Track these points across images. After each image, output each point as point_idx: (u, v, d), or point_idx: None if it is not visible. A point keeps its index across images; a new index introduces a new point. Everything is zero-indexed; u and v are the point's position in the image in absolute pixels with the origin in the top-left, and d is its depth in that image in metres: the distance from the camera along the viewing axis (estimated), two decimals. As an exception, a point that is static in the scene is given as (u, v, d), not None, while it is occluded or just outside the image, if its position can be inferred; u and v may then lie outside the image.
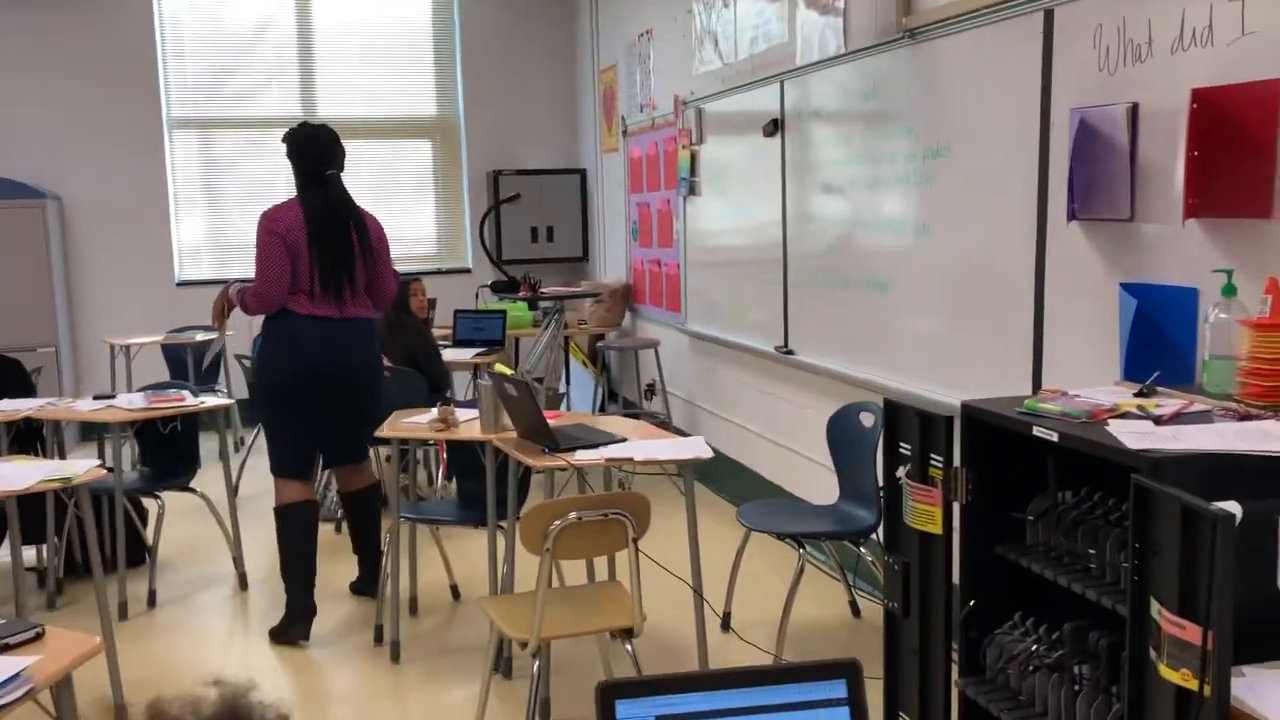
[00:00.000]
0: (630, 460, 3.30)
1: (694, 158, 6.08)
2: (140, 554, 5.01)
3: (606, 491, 4.12)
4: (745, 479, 5.66)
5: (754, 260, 5.38)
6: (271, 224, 4.03)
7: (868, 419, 3.88)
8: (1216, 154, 2.59)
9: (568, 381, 7.68)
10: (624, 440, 3.51)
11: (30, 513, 4.47)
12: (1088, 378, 3.00)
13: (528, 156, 8.58)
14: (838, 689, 1.32)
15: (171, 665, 3.93)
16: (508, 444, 3.58)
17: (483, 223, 6.05)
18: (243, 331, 6.83)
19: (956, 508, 2.48)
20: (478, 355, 5.85)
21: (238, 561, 4.78)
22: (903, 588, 2.63)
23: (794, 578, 3.68)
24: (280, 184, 8.22)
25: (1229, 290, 2.44)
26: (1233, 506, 1.83)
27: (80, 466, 3.40)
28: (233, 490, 4.80)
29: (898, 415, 2.63)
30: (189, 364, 6.96)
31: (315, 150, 4.21)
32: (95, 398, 4.74)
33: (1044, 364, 3.32)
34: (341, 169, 4.29)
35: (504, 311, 6.16)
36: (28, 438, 4.64)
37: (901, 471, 2.62)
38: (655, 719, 1.29)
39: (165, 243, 8.11)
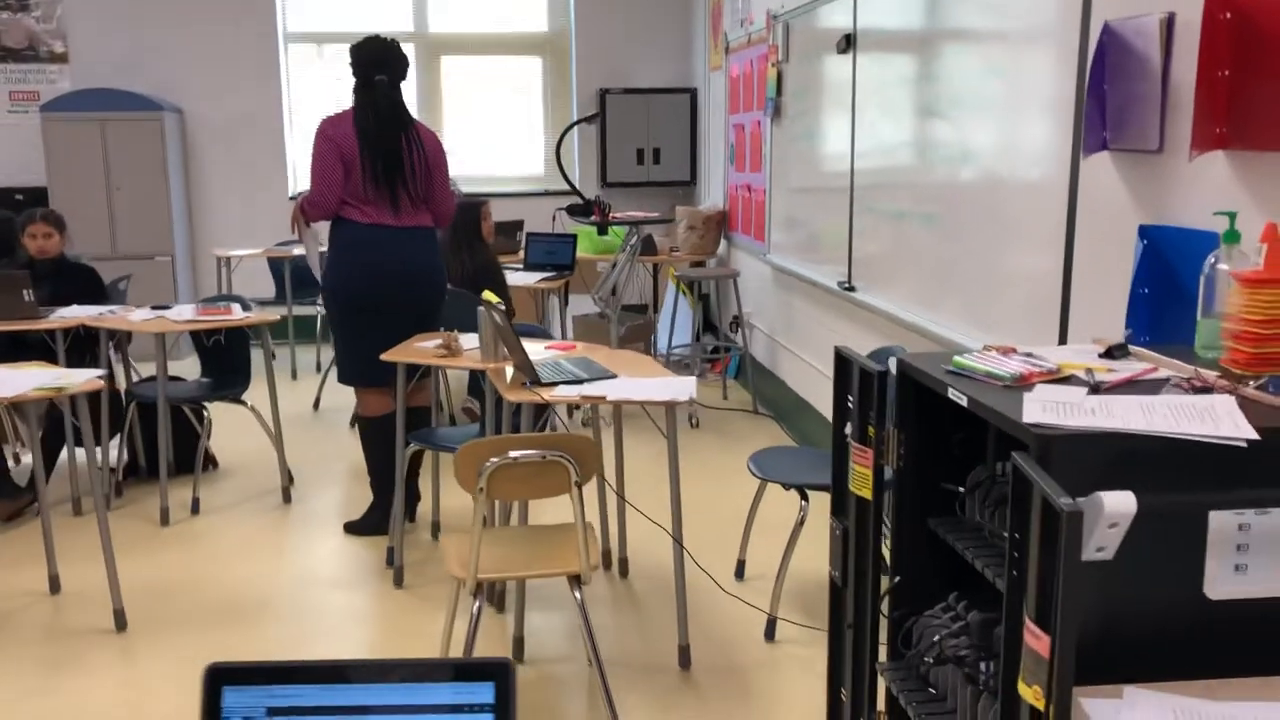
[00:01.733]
0: (603, 399, 3.11)
1: (780, 77, 5.72)
2: (203, 463, 5.18)
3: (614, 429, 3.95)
4: (813, 420, 5.39)
5: (824, 189, 5.04)
6: (327, 129, 4.07)
7: (894, 364, 3.56)
8: (1254, 73, 2.17)
9: (655, 309, 7.49)
10: (612, 377, 3.33)
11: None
12: (1113, 329, 2.63)
13: (639, 74, 8.32)
14: (482, 692, 1.13)
15: (183, 578, 4.02)
16: (496, 374, 3.45)
17: (560, 141, 5.88)
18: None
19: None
20: (544, 280, 5.72)
21: (284, 475, 4.85)
22: (841, 555, 2.38)
23: (793, 529, 3.44)
24: (389, 100, 8.26)
25: (1231, 236, 2.05)
26: (1123, 498, 1.52)
27: (80, 376, 3.46)
28: (275, 403, 4.85)
29: (846, 367, 2.35)
30: (285, 276, 7.10)
31: (367, 56, 4.19)
32: (153, 308, 4.86)
33: (1070, 312, 2.94)
34: (398, 78, 4.26)
35: (574, 236, 6.00)
36: (89, 345, 4.79)
37: (848, 428, 2.36)
38: (266, 710, 1.13)
39: (280, 157, 8.27)
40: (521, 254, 6.22)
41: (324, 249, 4.22)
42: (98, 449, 4.78)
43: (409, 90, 8.28)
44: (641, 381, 3.28)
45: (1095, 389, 1.84)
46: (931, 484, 2.17)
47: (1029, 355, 2.06)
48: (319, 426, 6.01)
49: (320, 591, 3.86)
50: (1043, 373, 1.92)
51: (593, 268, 6.72)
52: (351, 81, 4.21)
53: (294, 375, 7.24)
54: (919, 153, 3.92)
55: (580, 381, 3.26)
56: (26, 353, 4.66)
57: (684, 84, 8.27)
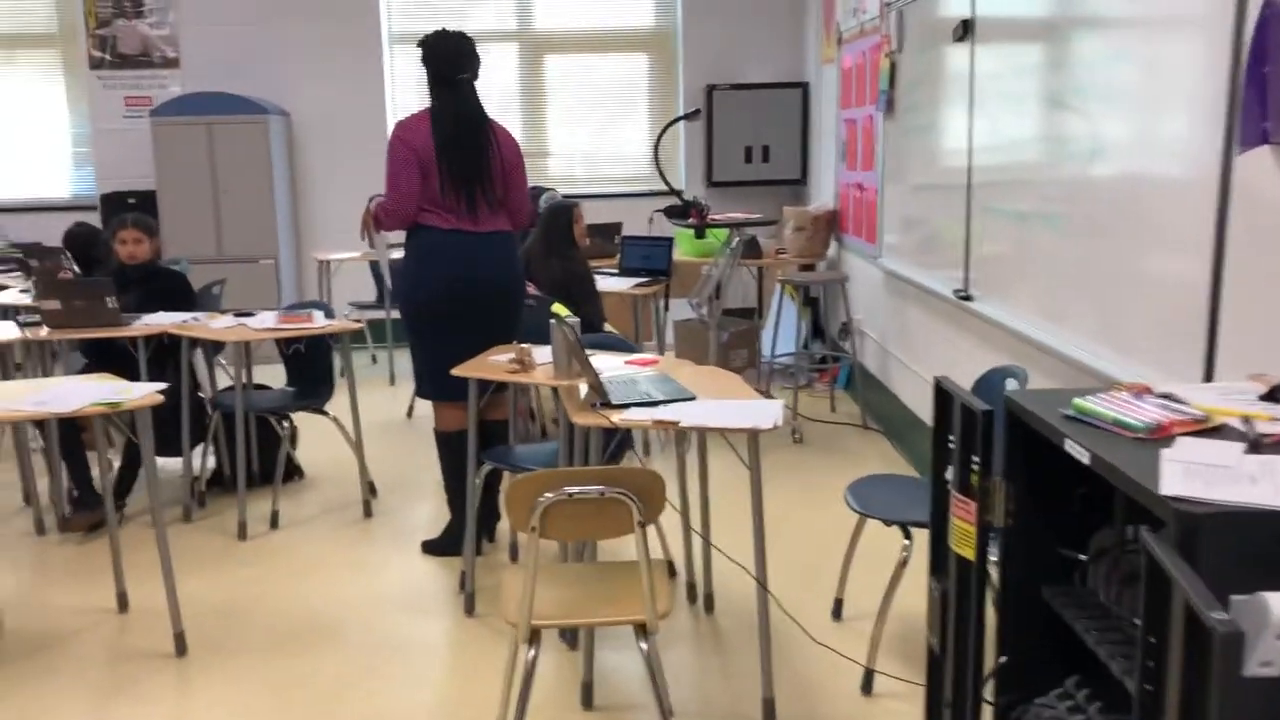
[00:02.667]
0: (675, 425, 2.81)
1: (893, 68, 5.32)
2: (289, 473, 5.07)
3: (703, 457, 3.65)
4: (927, 439, 4.96)
5: (939, 187, 4.64)
6: (402, 133, 3.89)
7: (1012, 387, 3.18)
8: None
9: (760, 315, 7.15)
10: (690, 399, 3.03)
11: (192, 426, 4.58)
12: (1275, 361, 2.22)
13: (748, 70, 7.99)
14: None
15: (252, 598, 3.87)
16: (568, 393, 3.18)
17: (659, 140, 5.59)
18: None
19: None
20: (638, 286, 5.45)
21: (365, 488, 4.70)
22: (940, 621, 2.04)
23: (895, 571, 3.08)
24: (492, 98, 8.11)
25: None
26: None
27: (140, 391, 3.32)
28: (356, 413, 4.69)
29: (947, 402, 2.01)
30: (386, 280, 6.98)
31: (445, 52, 3.97)
32: (235, 315, 4.76)
33: (1219, 333, 2.52)
34: (475, 77, 4.01)
35: (670, 239, 5.70)
36: (172, 352, 4.71)
37: (950, 473, 2.01)
38: None
39: (383, 159, 8.16)
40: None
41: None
42: (177, 460, 4.72)
43: (513, 90, 8.16)
44: (722, 405, 2.97)
45: (1255, 445, 1.46)
46: (1046, 547, 1.82)
47: (1168, 398, 1.68)
48: (411, 435, 5.85)
49: (389, 617, 3.65)
50: (1186, 421, 1.55)
51: (696, 271, 6.42)
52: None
53: (392, 380, 7.14)
54: (1044, 148, 3.51)
55: (654, 403, 2.97)
56: (114, 360, 4.60)
57: (795, 78, 7.90)
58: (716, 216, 5.49)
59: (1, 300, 5.50)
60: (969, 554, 1.88)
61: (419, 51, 4.03)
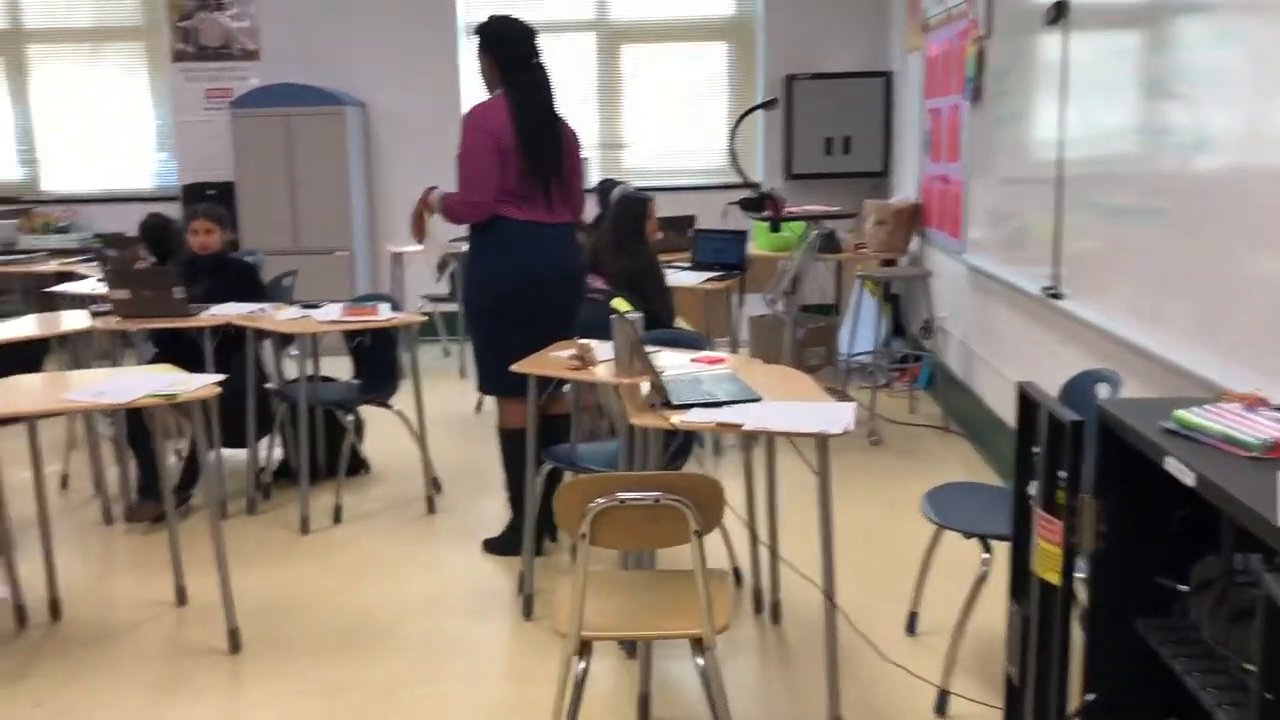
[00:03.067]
0: (738, 428, 2.66)
1: (981, 55, 5.08)
2: (355, 466, 5.03)
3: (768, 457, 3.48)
4: (1011, 444, 4.74)
5: (1028, 179, 4.40)
6: (482, 122, 3.76)
7: (1104, 392, 2.96)
8: None
9: (838, 311, 6.94)
10: (756, 400, 2.87)
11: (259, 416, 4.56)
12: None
13: (830, 58, 7.76)
14: None
15: (309, 594, 3.81)
16: (629, 392, 3.05)
17: (734, 131, 5.43)
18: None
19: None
20: (710, 281, 5.29)
21: (429, 484, 4.63)
22: (1020, 649, 1.86)
23: (973, 586, 2.89)
24: (569, 88, 8.01)
25: None
26: None
27: (199, 382, 3.27)
28: (420, 407, 4.61)
29: (1031, 410, 1.83)
30: (458, 273, 6.94)
31: (516, 36, 3.86)
32: (302, 307, 4.72)
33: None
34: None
35: (744, 232, 5.53)
36: (239, 343, 4.68)
37: (1033, 489, 1.83)
38: None
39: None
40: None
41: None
42: (244, 452, 4.69)
43: (588, 81, 8.04)
44: (790, 407, 2.81)
45: (1392, 469, 1.27)
46: (1141, 574, 1.63)
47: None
48: (479, 430, 5.78)
49: (446, 618, 3.56)
50: (1309, 439, 1.36)
51: (772, 266, 6.24)
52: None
53: (462, 374, 7.08)
54: (1144, 138, 3.27)
55: (717, 404, 2.82)
56: (183, 349, 4.60)
57: (878, 67, 7.66)
58: (792, 210, 5.32)
59: (79, 289, 5.55)
60: (1053, 579, 1.71)
61: (482, 37, 3.89)
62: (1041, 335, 4.38)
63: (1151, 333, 3.16)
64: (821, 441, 2.67)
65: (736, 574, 3.80)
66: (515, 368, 3.46)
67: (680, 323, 6.55)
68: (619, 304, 3.12)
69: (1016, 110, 4.55)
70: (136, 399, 3.13)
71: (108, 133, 8.36)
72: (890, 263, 6.57)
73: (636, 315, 3.13)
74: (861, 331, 6.46)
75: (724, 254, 5.50)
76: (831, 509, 2.72)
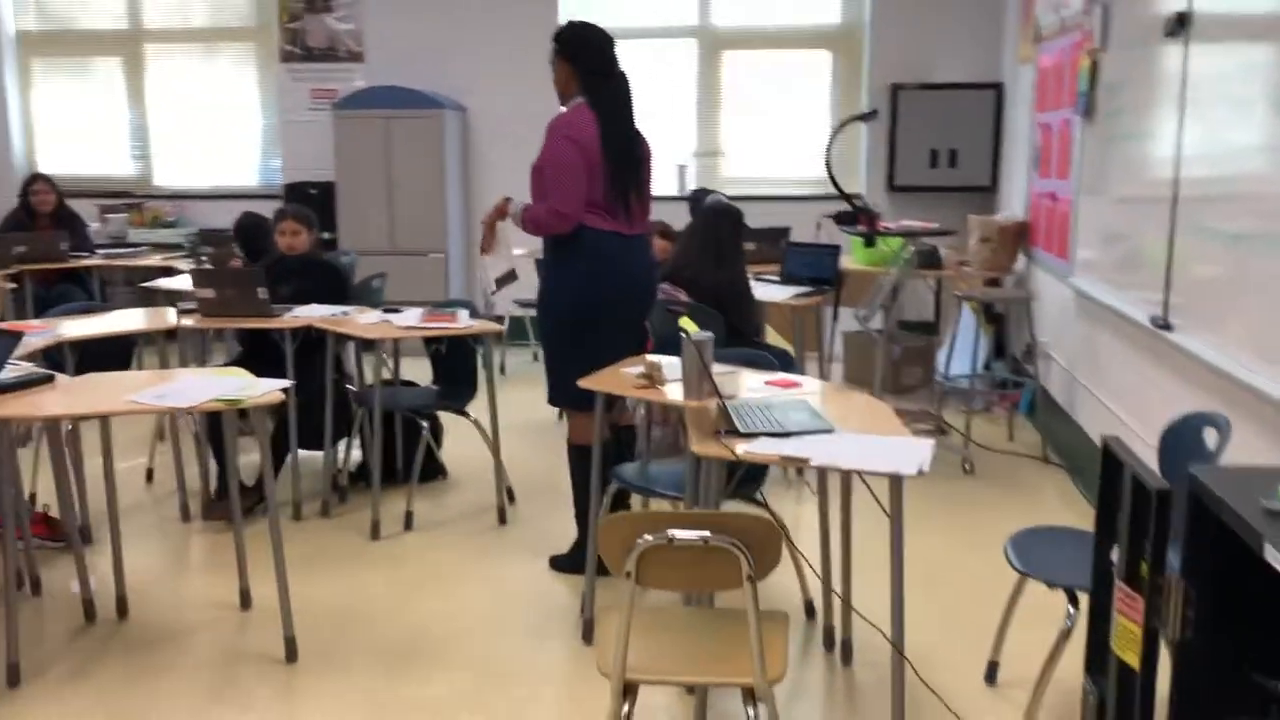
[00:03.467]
0: (805, 463, 2.50)
1: (1094, 68, 4.80)
2: (432, 472, 4.99)
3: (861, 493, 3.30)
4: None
5: (1141, 200, 4.13)
6: (569, 131, 3.67)
7: (1210, 438, 2.72)
8: None
9: (937, 331, 6.67)
10: (828, 431, 2.70)
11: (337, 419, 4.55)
12: None
13: (939, 68, 7.49)
14: None
15: (372, 603, 3.76)
16: (695, 416, 2.91)
17: (831, 141, 5.24)
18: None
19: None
20: (798, 296, 5.11)
21: (501, 494, 4.56)
22: (1095, 735, 1.67)
23: (1057, 640, 2.68)
24: (668, 96, 7.91)
25: None
26: None
27: (264, 387, 3.24)
28: (494, 416, 4.54)
29: (1115, 469, 1.64)
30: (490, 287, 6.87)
31: (599, 43, 3.79)
32: (384, 310, 4.69)
33: None
34: None
35: (837, 246, 5.34)
36: (320, 345, 4.67)
37: (1114, 555, 1.64)
38: None
39: (556, 156, 8.09)
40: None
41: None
42: (324, 454, 4.68)
43: (688, 88, 7.92)
44: (864, 441, 2.64)
45: None
46: (1235, 669, 1.43)
47: None
48: (560, 440, 5.65)
49: (505, 638, 3.47)
50: None
51: (868, 281, 6.03)
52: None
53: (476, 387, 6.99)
54: (1270, 159, 3.00)
55: (785, 435, 2.66)
56: (267, 349, 4.62)
57: (988, 78, 7.36)
58: (888, 224, 5.11)
59: (173, 285, 5.64)
60: (1133, 661, 1.52)
61: (561, 44, 3.83)
62: (1148, 368, 4.10)
63: (1271, 374, 2.89)
64: (895, 482, 2.49)
65: (809, 607, 3.63)
66: (583, 383, 3.36)
67: (774, 336, 6.39)
68: (687, 324, 2.98)
69: (1130, 126, 4.28)
70: (200, 403, 3.11)
71: (217, 130, 8.55)
72: (994, 282, 6.28)
73: (706, 335, 2.99)
74: (960, 352, 6.19)
75: (816, 268, 5.32)
76: (903, 554, 2.53)
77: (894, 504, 2.52)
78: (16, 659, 3.18)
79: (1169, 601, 1.44)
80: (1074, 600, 2.66)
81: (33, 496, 4.55)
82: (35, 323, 4.52)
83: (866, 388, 4.70)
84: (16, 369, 3.43)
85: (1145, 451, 4.04)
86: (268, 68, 8.35)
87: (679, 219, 6.67)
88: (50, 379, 3.36)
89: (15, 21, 8.56)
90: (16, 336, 3.36)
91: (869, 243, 5.10)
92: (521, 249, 7.12)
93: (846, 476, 3.23)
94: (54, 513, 4.16)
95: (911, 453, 2.52)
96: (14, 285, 5.86)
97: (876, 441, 2.63)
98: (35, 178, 6.77)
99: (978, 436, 5.59)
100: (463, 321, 4.44)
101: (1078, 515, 4.49)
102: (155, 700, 3.08)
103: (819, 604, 3.54)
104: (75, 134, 8.70)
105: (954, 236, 6.07)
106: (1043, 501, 4.75)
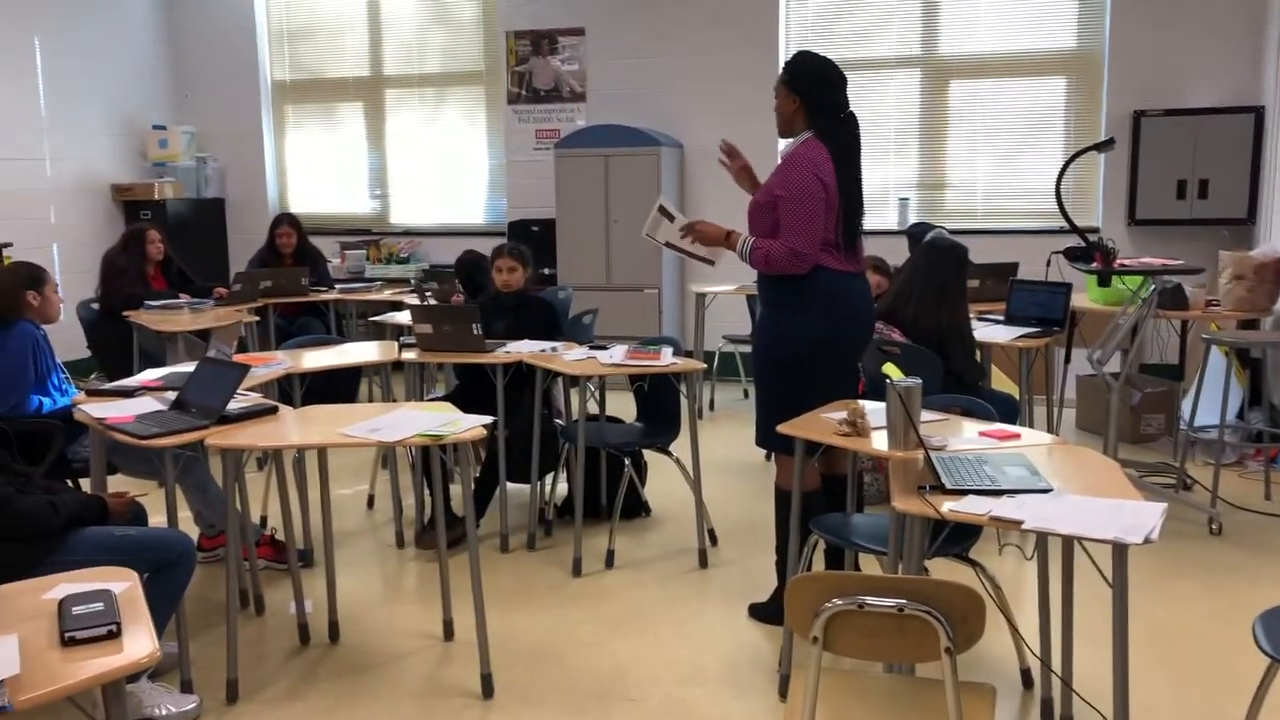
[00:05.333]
0: (1017, 525, 2.29)
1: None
2: (636, 509, 4.98)
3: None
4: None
5: None
6: (816, 170, 3.55)
7: None
8: None
9: (1182, 376, 6.14)
10: (1046, 491, 2.48)
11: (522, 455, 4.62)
12: None
13: (1186, 93, 6.96)
14: None
15: (569, 642, 3.74)
16: (896, 469, 2.74)
17: (1062, 172, 4.91)
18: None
19: None
20: (1023, 338, 4.80)
21: (702, 537, 4.48)
22: None
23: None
24: (890, 127, 7.70)
25: None
26: None
27: (468, 424, 3.29)
28: (696, 456, 4.47)
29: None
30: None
31: (833, 78, 3.69)
32: (590, 347, 4.72)
33: None
34: None
35: (1068, 285, 4.98)
36: (529, 379, 4.75)
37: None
38: None
39: (772, 191, 8.01)
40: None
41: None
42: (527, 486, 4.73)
43: (910, 119, 7.69)
44: (1087, 503, 2.40)
45: None
46: None
47: None
48: (767, 481, 5.53)
49: (699, 688, 3.38)
50: None
51: (1103, 321, 5.62)
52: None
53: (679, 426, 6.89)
54: None
55: (997, 493, 2.46)
56: (481, 383, 4.73)
57: (1246, 101, 6.76)
58: (1126, 261, 4.73)
59: (399, 320, 5.89)
60: None
61: (797, 77, 3.69)
62: None
63: None
64: (1119, 551, 2.25)
65: (1026, 675, 3.36)
66: (783, 429, 3.24)
67: (999, 380, 6.05)
68: (891, 369, 2.82)
69: None
70: (406, 437, 3.19)
71: (448, 170, 8.95)
72: (1250, 324, 5.73)
73: (912, 382, 2.82)
74: (1208, 400, 5.66)
75: (1044, 308, 4.98)
76: (1127, 628, 2.29)
77: (1118, 574, 2.27)
78: (235, 676, 3.34)
79: None
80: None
81: (263, 519, 4.83)
82: (277, 354, 4.79)
83: (1100, 436, 4.35)
84: (245, 399, 3.63)
85: None
86: (495, 109, 8.68)
87: (897, 254, 6.46)
88: (274, 410, 3.54)
89: (272, 72, 9.25)
90: (243, 369, 3.55)
91: (1104, 281, 4.74)
92: (729, 285, 7.10)
93: (1067, 540, 2.97)
94: (281, 536, 4.37)
95: (1139, 518, 2.27)
96: (258, 318, 6.26)
97: (1100, 504, 2.39)
98: (280, 220, 7.21)
99: (1227, 493, 5.08)
100: (666, 359, 4.40)
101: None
102: (356, 727, 3.16)
103: (1036, 672, 3.27)
104: (321, 175, 9.31)
105: (1202, 274, 5.57)
106: (1304, 570, 4.26)
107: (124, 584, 2.15)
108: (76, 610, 1.95)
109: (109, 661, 1.83)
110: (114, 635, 1.90)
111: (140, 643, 1.90)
